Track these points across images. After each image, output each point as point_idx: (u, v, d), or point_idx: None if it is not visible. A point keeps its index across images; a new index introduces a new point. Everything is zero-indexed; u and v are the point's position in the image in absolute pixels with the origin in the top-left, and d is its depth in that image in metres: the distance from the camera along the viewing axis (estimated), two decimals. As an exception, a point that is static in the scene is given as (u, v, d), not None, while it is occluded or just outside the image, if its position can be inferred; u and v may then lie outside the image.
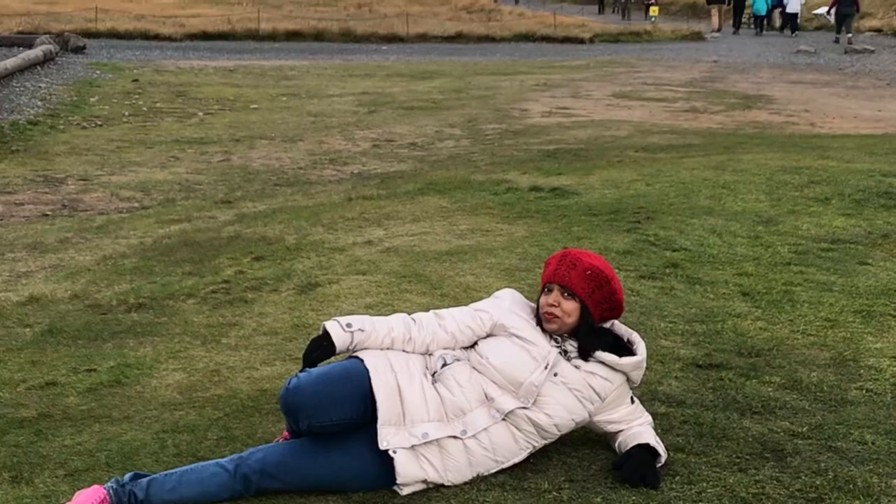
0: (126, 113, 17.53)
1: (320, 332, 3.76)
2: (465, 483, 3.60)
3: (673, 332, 5.18)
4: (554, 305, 3.77)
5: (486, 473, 3.64)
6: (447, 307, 4.07)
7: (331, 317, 3.89)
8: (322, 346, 3.74)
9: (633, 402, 3.89)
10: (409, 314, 3.91)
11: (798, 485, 3.57)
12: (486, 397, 3.68)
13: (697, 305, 5.63)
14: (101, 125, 16.18)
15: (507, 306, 3.88)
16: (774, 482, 3.59)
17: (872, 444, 3.90)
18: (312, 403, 3.52)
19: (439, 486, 3.57)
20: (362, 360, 3.69)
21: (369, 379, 3.62)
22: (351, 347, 3.76)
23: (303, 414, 3.53)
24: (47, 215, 9.65)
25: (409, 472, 3.54)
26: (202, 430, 4.11)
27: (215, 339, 5.29)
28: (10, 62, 22.10)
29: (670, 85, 22.32)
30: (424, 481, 3.56)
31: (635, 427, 3.83)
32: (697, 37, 40.47)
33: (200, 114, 17.65)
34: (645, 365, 3.89)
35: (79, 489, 3.57)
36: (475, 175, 10.28)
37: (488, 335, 3.84)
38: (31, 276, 6.96)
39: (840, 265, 6.48)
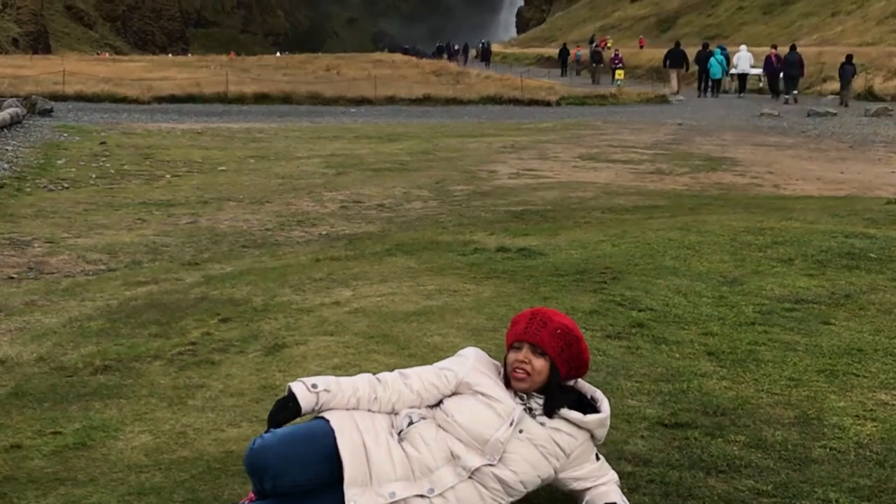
0: (93, 175, 17.51)
1: (286, 393, 3.77)
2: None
3: (639, 392, 5.21)
4: (524, 363, 3.80)
5: None
6: (414, 367, 4.09)
7: (297, 378, 3.90)
8: (287, 407, 3.75)
9: (598, 458, 3.91)
10: (375, 374, 3.93)
11: (763, 543, 3.59)
12: (452, 455, 3.69)
13: (663, 365, 5.66)
14: (67, 188, 16.15)
15: (472, 364, 3.91)
16: (740, 540, 3.61)
17: (836, 501, 3.93)
18: (277, 464, 3.52)
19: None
20: (328, 421, 3.70)
21: (335, 439, 3.62)
22: (316, 408, 3.77)
23: (268, 474, 3.53)
24: (13, 278, 9.60)
25: None
26: (168, 492, 4.09)
27: (182, 401, 5.27)
28: (-23, 125, 22.09)
29: (636, 147, 22.54)
30: None
31: (602, 487, 3.84)
32: (662, 100, 40.97)
33: (168, 176, 17.65)
34: (609, 422, 3.91)
35: (43, 553, 3.55)
36: (443, 236, 10.32)
37: (453, 393, 3.86)
38: (-4, 339, 6.92)
39: (804, 325, 6.54)
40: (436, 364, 4.01)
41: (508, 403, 3.78)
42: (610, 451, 4.37)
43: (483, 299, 7.16)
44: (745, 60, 42.88)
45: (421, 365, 4.30)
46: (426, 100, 39.22)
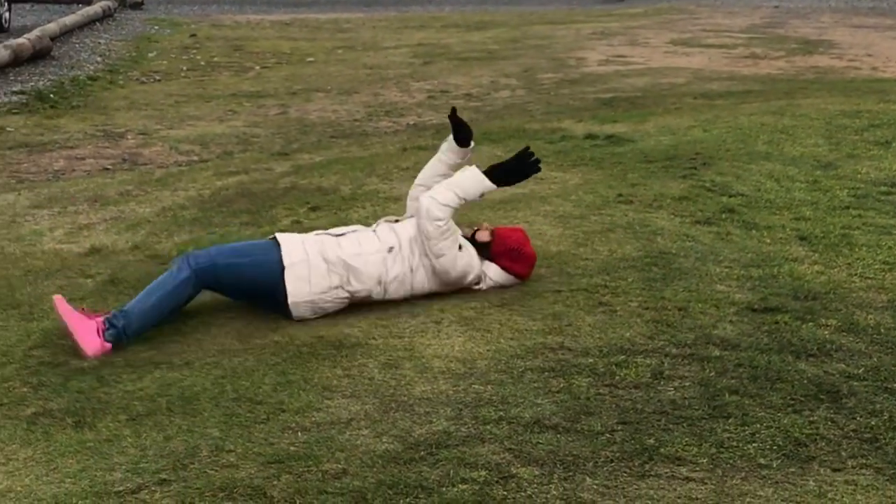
0: (184, 68, 17.64)
1: None
2: (508, 415, 3.62)
3: (728, 277, 5.15)
4: None
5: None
6: None
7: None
8: None
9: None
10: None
11: (853, 425, 3.57)
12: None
13: (753, 250, 5.59)
14: (159, 80, 16.30)
15: None
16: (829, 423, 3.59)
17: (929, 385, 3.88)
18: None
19: (482, 416, 3.59)
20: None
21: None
22: None
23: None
24: (108, 169, 9.77)
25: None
26: (260, 375, 4.17)
27: (272, 288, 5.34)
28: (70, 19, 22.31)
29: (730, 31, 22.00)
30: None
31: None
32: (758, -18, 39.80)
33: (257, 67, 17.71)
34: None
35: (141, 433, 3.66)
36: (530, 124, 10.24)
37: None
38: (93, 228, 7.06)
39: (900, 208, 6.40)
40: None
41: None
42: (698, 336, 4.36)
43: (570, 186, 7.11)
44: None
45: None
46: (514, -14, 38.60)
